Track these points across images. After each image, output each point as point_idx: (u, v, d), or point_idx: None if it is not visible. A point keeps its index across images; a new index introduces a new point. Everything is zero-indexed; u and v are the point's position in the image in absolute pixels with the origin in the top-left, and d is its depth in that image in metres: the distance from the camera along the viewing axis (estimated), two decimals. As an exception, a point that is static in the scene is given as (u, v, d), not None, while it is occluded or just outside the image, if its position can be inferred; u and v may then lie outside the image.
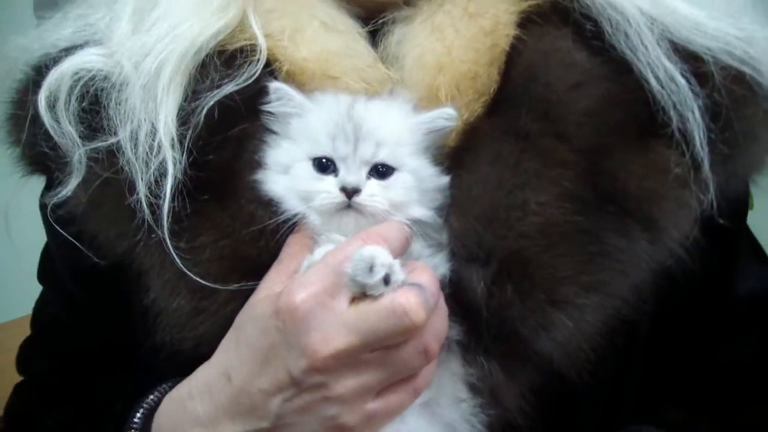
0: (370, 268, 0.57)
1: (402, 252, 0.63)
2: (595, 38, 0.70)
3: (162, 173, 0.67)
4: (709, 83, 0.68)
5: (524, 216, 0.66)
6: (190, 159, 0.68)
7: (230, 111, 0.69)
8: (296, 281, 0.61)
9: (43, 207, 0.79)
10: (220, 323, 0.67)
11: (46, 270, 0.87)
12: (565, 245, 0.65)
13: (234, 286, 0.66)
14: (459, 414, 0.65)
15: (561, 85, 0.69)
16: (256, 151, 0.69)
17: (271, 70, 0.72)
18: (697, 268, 0.68)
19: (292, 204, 0.66)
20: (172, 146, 0.68)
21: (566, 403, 0.68)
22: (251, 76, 0.70)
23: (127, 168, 0.68)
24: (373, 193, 0.65)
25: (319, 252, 0.63)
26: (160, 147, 0.67)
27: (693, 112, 0.67)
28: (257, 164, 0.68)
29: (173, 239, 0.66)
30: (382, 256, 0.58)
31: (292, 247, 0.66)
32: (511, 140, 0.68)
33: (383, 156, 0.66)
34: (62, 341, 0.85)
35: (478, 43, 0.72)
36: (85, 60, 0.73)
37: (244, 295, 0.66)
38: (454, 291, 0.65)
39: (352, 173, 0.65)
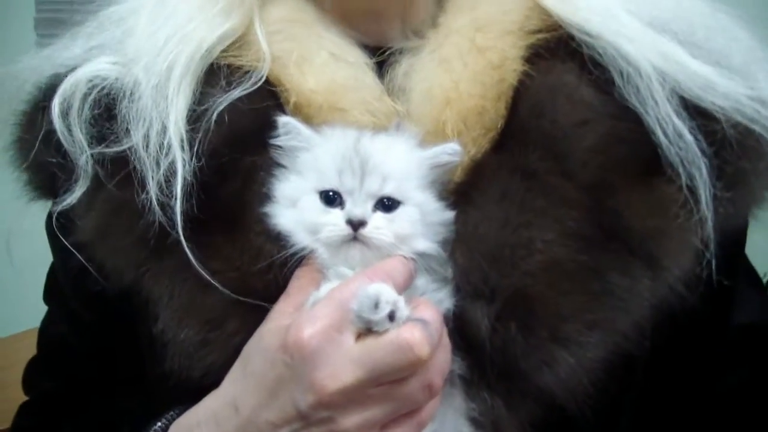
0: (375, 305, 0.59)
1: (406, 287, 0.64)
2: (602, 81, 0.71)
3: (172, 173, 0.68)
4: (717, 141, 0.69)
5: (529, 254, 0.67)
6: (200, 164, 0.69)
7: (239, 141, 0.70)
8: (303, 317, 0.62)
9: (47, 226, 0.81)
10: (228, 354, 0.68)
11: (53, 290, 0.88)
12: (569, 284, 0.66)
13: (247, 300, 0.67)
14: None
15: (567, 122, 0.70)
16: (264, 183, 0.70)
17: (278, 102, 0.73)
18: (696, 302, 0.69)
19: (299, 237, 0.67)
20: (182, 147, 0.69)
21: None
22: (258, 81, 0.72)
23: (138, 166, 0.69)
24: (378, 225, 0.66)
25: (325, 288, 0.64)
26: (170, 147, 0.69)
27: (700, 170, 0.68)
28: (265, 197, 0.69)
29: (181, 271, 0.67)
30: (387, 293, 0.59)
31: (299, 280, 0.67)
32: (518, 178, 0.69)
33: (389, 190, 0.67)
34: (67, 362, 0.85)
35: (485, 77, 0.72)
36: (99, 68, 0.75)
37: (252, 327, 0.67)
38: (458, 326, 0.65)
39: (359, 206, 0.66)
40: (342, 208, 0.66)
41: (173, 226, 0.67)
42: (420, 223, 0.67)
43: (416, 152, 0.69)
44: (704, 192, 0.67)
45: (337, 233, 0.66)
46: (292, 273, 0.67)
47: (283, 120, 0.69)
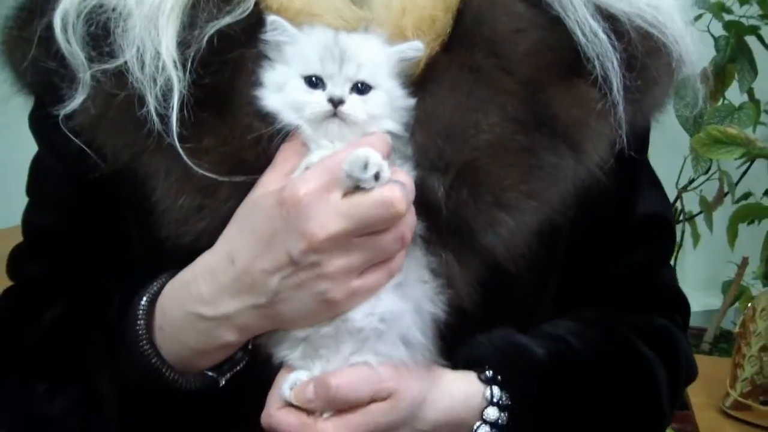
0: (365, 166, 0.70)
1: (386, 158, 0.75)
2: None
3: (168, 89, 0.77)
4: (624, 39, 0.83)
5: (477, 133, 0.79)
6: (193, 78, 0.78)
7: (229, 38, 0.79)
8: (298, 178, 0.73)
9: (37, 121, 0.88)
10: (219, 219, 0.77)
11: (38, 181, 0.95)
12: (510, 158, 0.80)
13: (238, 178, 0.77)
14: (423, 293, 0.78)
15: (505, 30, 0.83)
16: (252, 72, 0.79)
17: (259, 8, 0.82)
18: (610, 187, 0.84)
19: (285, 115, 0.77)
20: (175, 67, 0.77)
21: (504, 291, 0.83)
22: (245, 10, 0.81)
23: (136, 84, 0.77)
24: (354, 104, 0.77)
25: (317, 155, 0.75)
26: (164, 67, 0.77)
27: (612, 63, 0.82)
28: (254, 84, 0.79)
29: (181, 143, 0.76)
30: (375, 157, 0.71)
31: (285, 152, 0.78)
32: (466, 72, 0.82)
33: (363, 75, 0.78)
34: (54, 246, 0.92)
35: None
36: None
37: (241, 194, 0.77)
38: (418, 194, 0.77)
39: (338, 88, 0.77)
40: (323, 90, 0.77)
41: (168, 129, 0.76)
42: (387, 105, 0.79)
43: (385, 47, 0.80)
44: (615, 80, 0.81)
45: (319, 110, 0.76)
46: (278, 147, 0.78)
47: (271, 18, 0.79)
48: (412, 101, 0.81)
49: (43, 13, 0.83)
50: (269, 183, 0.76)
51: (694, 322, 1.16)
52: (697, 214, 2.57)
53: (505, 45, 0.83)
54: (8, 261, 0.96)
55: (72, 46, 0.80)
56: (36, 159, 0.95)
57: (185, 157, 0.76)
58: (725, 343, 2.63)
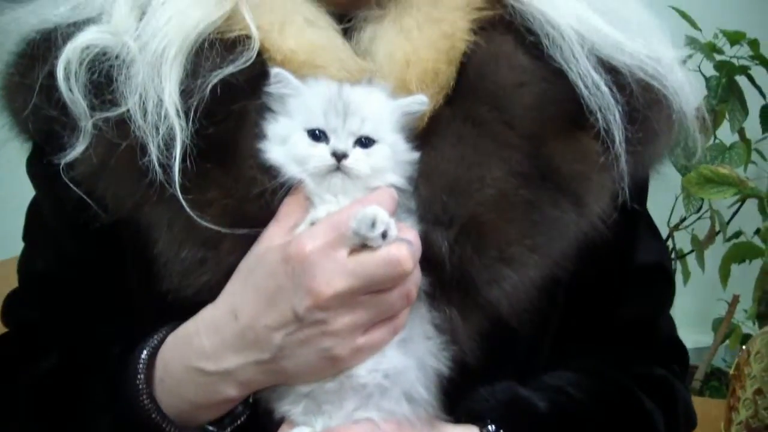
0: (372, 224, 0.70)
1: (392, 214, 0.74)
2: (534, 47, 0.85)
3: (171, 138, 0.76)
4: (626, 91, 0.83)
5: (481, 188, 0.79)
6: (196, 127, 0.77)
7: (233, 88, 0.79)
8: (305, 234, 0.73)
9: (36, 168, 0.88)
10: (222, 272, 0.77)
11: (34, 227, 0.94)
12: (513, 213, 0.79)
13: (241, 231, 0.76)
14: (427, 349, 0.77)
15: (508, 83, 0.83)
16: (256, 124, 0.79)
17: (263, 58, 0.82)
18: (610, 238, 0.83)
19: (289, 169, 0.77)
20: (178, 116, 0.76)
21: (506, 345, 0.83)
22: (248, 60, 0.80)
23: (138, 133, 0.77)
24: (358, 158, 0.76)
25: (322, 210, 0.75)
26: (166, 116, 0.76)
27: (614, 115, 0.81)
28: (258, 136, 0.79)
29: (183, 194, 0.76)
30: (382, 215, 0.71)
31: (289, 206, 0.77)
32: (470, 125, 0.82)
33: (367, 129, 0.77)
34: (52, 293, 0.91)
35: (439, 44, 0.84)
36: (94, 37, 0.82)
37: (244, 248, 0.77)
38: (422, 248, 0.76)
39: (342, 142, 0.77)
40: (327, 144, 0.77)
41: (170, 180, 0.76)
42: (391, 159, 0.79)
43: (389, 101, 0.80)
44: (618, 133, 0.81)
45: (322, 164, 0.76)
46: (281, 200, 0.77)
47: (275, 71, 0.79)
48: (416, 155, 0.81)
49: (45, 60, 0.82)
50: (273, 237, 0.76)
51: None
52: (688, 253, 2.58)
53: (508, 99, 0.82)
54: (2, 307, 0.95)
55: (74, 95, 0.80)
56: (33, 204, 0.94)
57: (188, 209, 0.76)
58: (716, 381, 2.63)
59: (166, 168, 0.76)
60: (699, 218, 2.49)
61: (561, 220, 0.81)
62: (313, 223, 0.75)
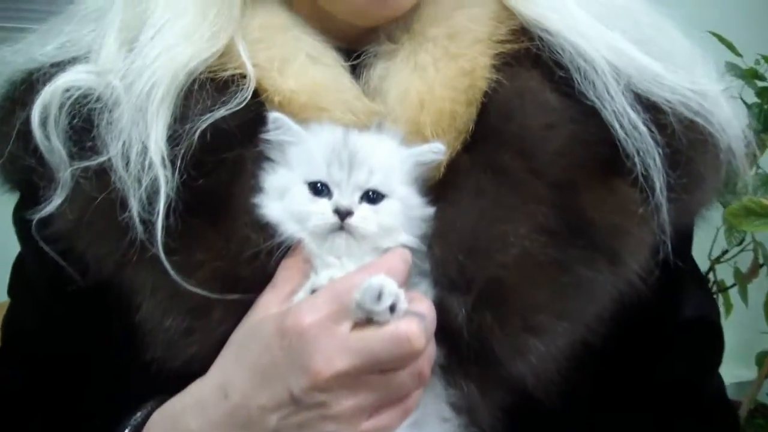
0: (379, 296, 0.61)
1: (403, 283, 0.66)
2: (564, 83, 0.76)
3: (155, 191, 0.69)
4: (667, 131, 0.74)
5: (503, 247, 0.70)
6: (183, 178, 0.70)
7: (225, 135, 0.72)
8: (304, 304, 0.65)
9: (18, 221, 0.81)
10: (212, 343, 0.69)
11: (19, 283, 0.88)
12: (540, 276, 0.70)
13: (233, 297, 0.68)
14: None
15: (535, 125, 0.74)
16: (252, 176, 0.72)
17: (259, 100, 0.75)
18: (650, 296, 0.74)
19: (287, 227, 0.69)
20: (164, 165, 0.70)
21: (531, 421, 0.73)
22: (242, 101, 0.73)
23: (119, 185, 0.70)
24: (364, 216, 0.69)
25: (324, 275, 0.67)
26: (151, 165, 0.69)
27: (654, 159, 0.73)
28: (253, 189, 0.71)
29: (168, 255, 0.68)
30: (390, 286, 0.62)
31: (287, 270, 0.69)
32: (490, 175, 0.73)
33: (375, 183, 0.70)
34: (36, 353, 0.85)
35: (457, 82, 0.76)
36: (77, 78, 0.75)
37: (237, 316, 0.69)
38: (437, 316, 0.68)
39: (346, 197, 0.69)
40: (329, 199, 0.69)
41: (153, 239, 0.68)
42: (402, 216, 0.70)
43: (401, 149, 0.72)
44: (658, 179, 0.72)
45: (324, 221, 0.68)
46: (278, 262, 0.69)
47: (273, 116, 0.71)
48: (430, 210, 0.72)
49: (24, 104, 0.76)
50: (269, 306, 0.68)
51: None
52: (731, 287, 2.46)
53: (535, 143, 0.74)
54: None
55: (51, 142, 0.73)
56: (19, 259, 0.88)
57: (172, 272, 0.68)
58: (761, 418, 2.51)
59: (148, 224, 0.69)
60: (741, 251, 2.37)
61: (594, 281, 0.71)
62: (314, 291, 0.66)
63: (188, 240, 0.69)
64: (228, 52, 0.75)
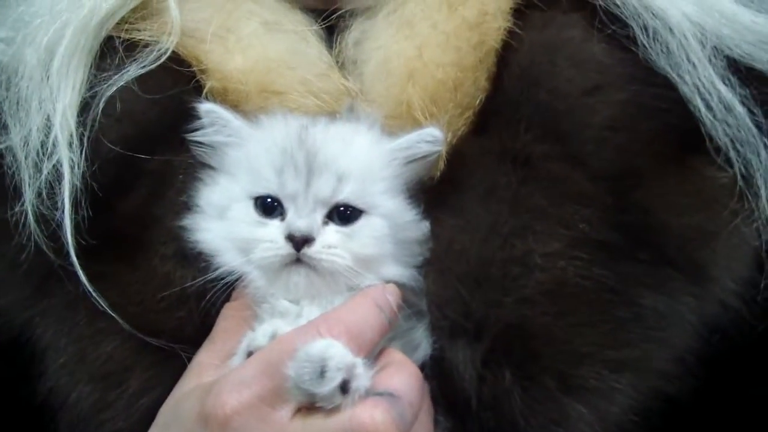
0: (321, 373, 0.45)
1: (377, 340, 0.50)
2: (621, 39, 0.59)
3: (56, 178, 0.56)
4: None
5: (526, 273, 0.54)
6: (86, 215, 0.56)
7: (147, 135, 0.58)
8: (228, 380, 0.49)
9: None
10: (134, 420, 0.55)
11: None
12: (583, 311, 0.53)
13: (162, 343, 0.54)
14: None
15: (572, 90, 0.57)
16: (183, 190, 0.57)
17: (197, 87, 0.60)
18: (756, 320, 0.56)
19: (227, 258, 0.55)
20: (70, 145, 0.56)
21: None
22: (159, 57, 0.59)
23: (10, 171, 0.57)
24: (330, 243, 0.53)
25: (264, 331, 0.50)
26: (55, 145, 0.56)
27: (757, 153, 0.56)
28: (183, 207, 0.56)
29: (70, 310, 0.55)
30: (338, 356, 0.45)
31: (227, 320, 0.54)
32: (508, 168, 0.56)
33: (347, 194, 0.54)
34: None
35: (460, 40, 0.60)
36: None
37: (164, 384, 0.54)
38: (437, 375, 0.53)
39: (304, 216, 0.53)
40: (282, 219, 0.54)
41: (56, 249, 0.55)
42: (389, 240, 0.55)
43: (382, 143, 0.56)
44: (765, 183, 0.55)
45: (274, 252, 0.53)
46: (214, 308, 0.54)
47: (205, 108, 0.57)
48: (427, 225, 0.56)
49: None
50: (202, 371, 0.53)
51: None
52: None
53: (572, 117, 0.57)
54: None
55: None
56: None
57: (85, 281, 0.54)
58: None
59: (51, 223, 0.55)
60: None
61: (670, 312, 0.54)
62: (250, 354, 0.50)
63: (98, 284, 0.55)
64: (147, 7, 0.62)
